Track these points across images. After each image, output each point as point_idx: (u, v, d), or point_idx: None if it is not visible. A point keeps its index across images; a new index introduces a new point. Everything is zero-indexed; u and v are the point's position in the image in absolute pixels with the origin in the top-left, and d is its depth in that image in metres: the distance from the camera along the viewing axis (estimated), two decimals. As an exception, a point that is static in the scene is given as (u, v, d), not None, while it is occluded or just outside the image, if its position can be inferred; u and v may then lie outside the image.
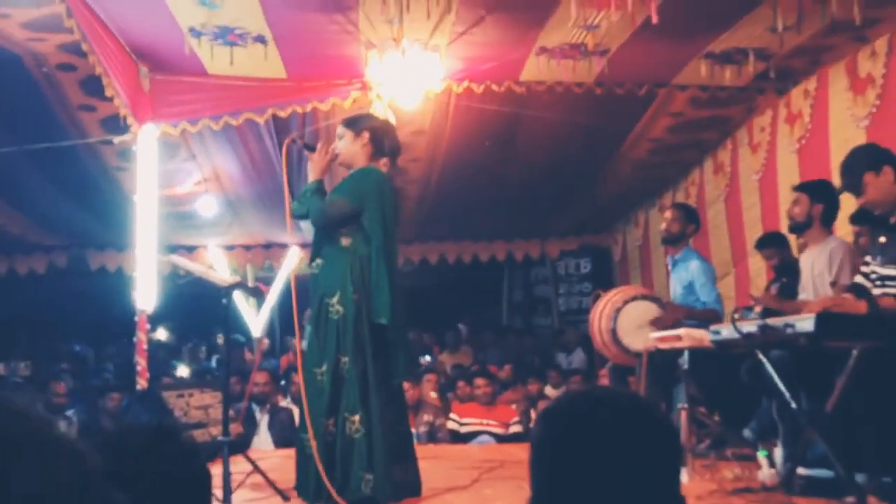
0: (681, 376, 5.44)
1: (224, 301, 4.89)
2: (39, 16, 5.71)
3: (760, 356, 4.41)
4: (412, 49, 6.27)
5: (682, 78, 7.02)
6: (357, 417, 4.28)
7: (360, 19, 5.91)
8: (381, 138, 4.61)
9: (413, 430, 6.30)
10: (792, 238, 6.19)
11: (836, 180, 4.96)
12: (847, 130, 6.35)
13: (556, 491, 1.45)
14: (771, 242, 6.59)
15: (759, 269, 7.68)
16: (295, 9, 5.83)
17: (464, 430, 8.20)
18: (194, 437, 5.62)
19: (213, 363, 13.34)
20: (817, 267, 5.09)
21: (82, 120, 7.58)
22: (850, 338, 3.98)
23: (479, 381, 8.46)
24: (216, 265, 11.07)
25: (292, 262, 11.07)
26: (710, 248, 8.78)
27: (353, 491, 4.22)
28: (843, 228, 5.66)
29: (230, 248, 12.46)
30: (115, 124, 7.01)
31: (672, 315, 6.06)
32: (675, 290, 6.37)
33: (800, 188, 5.37)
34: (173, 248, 10.70)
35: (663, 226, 6.52)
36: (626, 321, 6.15)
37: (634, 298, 6.26)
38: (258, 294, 9.52)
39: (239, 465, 4.88)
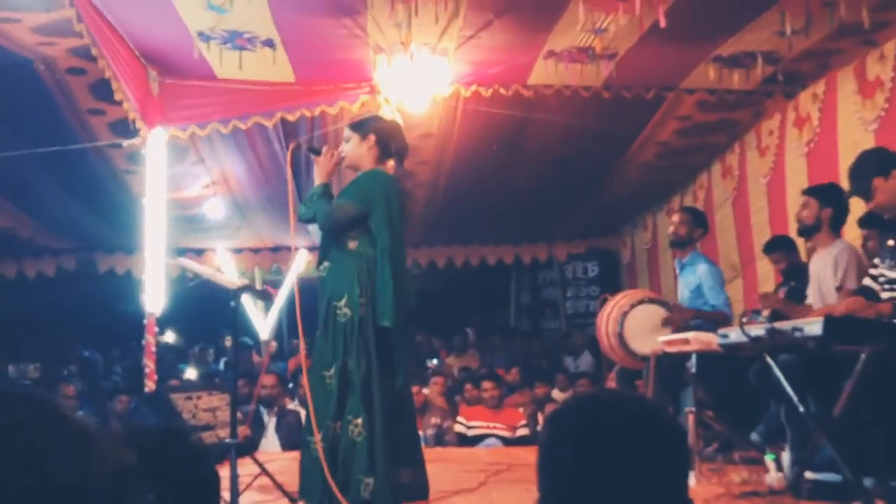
0: (688, 380, 5.44)
1: (232, 304, 4.90)
2: (49, 20, 5.74)
3: (769, 360, 4.40)
4: (420, 53, 6.28)
5: (690, 81, 7.02)
6: (360, 420, 4.28)
7: (368, 23, 5.92)
8: (388, 140, 4.61)
9: (420, 433, 6.30)
10: (800, 242, 6.19)
11: (845, 184, 4.95)
12: (855, 134, 6.34)
13: (564, 494, 1.45)
14: (779, 246, 6.58)
15: (766, 272, 7.67)
16: (304, 13, 5.85)
17: (471, 433, 8.19)
18: (203, 439, 5.64)
19: (221, 366, 13.37)
20: (824, 271, 5.09)
21: (91, 123, 7.61)
22: (859, 341, 3.98)
23: (487, 385, 8.46)
24: (224, 268, 11.08)
25: (300, 265, 11.10)
26: (717, 251, 8.77)
27: (354, 494, 4.21)
28: (852, 232, 5.66)
29: (238, 251, 12.48)
30: (125, 128, 7.03)
31: (681, 315, 6.06)
32: (683, 293, 6.37)
33: (809, 192, 5.36)
34: (182, 252, 10.71)
35: (671, 229, 6.53)
36: (634, 325, 6.15)
37: (642, 302, 6.26)
38: (266, 297, 9.53)
39: (246, 467, 4.89)
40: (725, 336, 4.74)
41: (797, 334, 4.05)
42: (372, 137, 4.57)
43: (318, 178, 4.62)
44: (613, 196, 10.62)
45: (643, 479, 1.41)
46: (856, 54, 6.36)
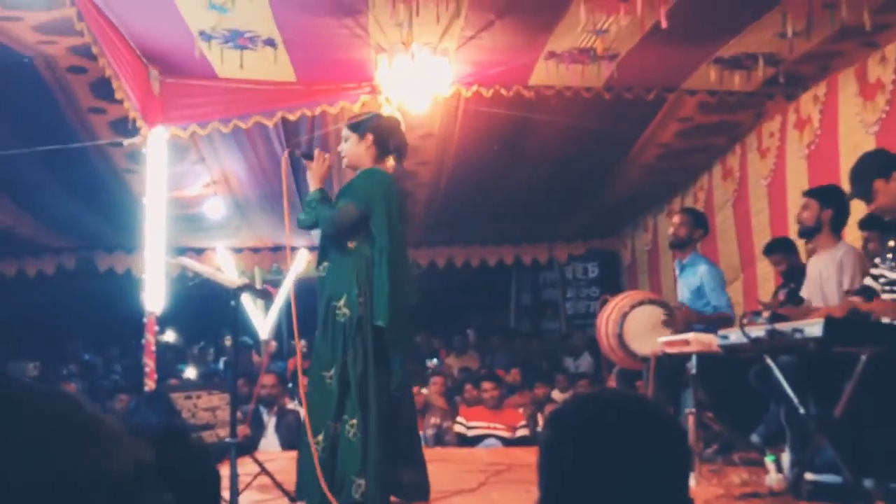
0: (688, 381, 5.44)
1: (232, 303, 4.90)
2: (50, 19, 5.74)
3: (769, 361, 4.40)
4: (421, 53, 6.28)
5: (691, 83, 7.02)
6: (355, 421, 4.28)
7: (369, 23, 5.92)
8: (386, 138, 4.61)
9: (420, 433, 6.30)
10: (800, 244, 6.19)
11: (846, 186, 4.96)
12: (856, 136, 6.34)
13: (565, 494, 1.45)
14: (779, 248, 6.58)
15: (767, 274, 7.67)
16: (305, 12, 5.85)
17: (471, 433, 8.20)
18: (202, 438, 5.65)
19: (221, 365, 13.36)
20: (825, 273, 5.09)
21: (92, 122, 7.61)
22: (859, 343, 3.97)
23: (487, 385, 8.47)
24: (224, 267, 11.08)
25: (300, 264, 11.09)
26: (718, 253, 8.77)
27: (346, 496, 4.21)
28: (852, 234, 5.66)
29: (238, 250, 12.48)
30: (125, 127, 7.03)
31: (683, 318, 6.05)
32: (683, 294, 6.37)
33: (809, 193, 5.37)
34: (182, 251, 10.71)
35: (671, 230, 6.53)
36: (634, 326, 6.14)
37: (642, 303, 6.25)
38: (266, 296, 9.53)
39: (246, 466, 4.89)
40: (725, 337, 4.74)
41: (797, 335, 4.05)
42: (370, 136, 4.56)
43: (312, 184, 4.61)
44: (614, 197, 10.62)
45: (644, 479, 1.41)
46: (857, 56, 6.36)
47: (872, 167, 4.44)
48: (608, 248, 13.22)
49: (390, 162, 4.65)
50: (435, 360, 12.25)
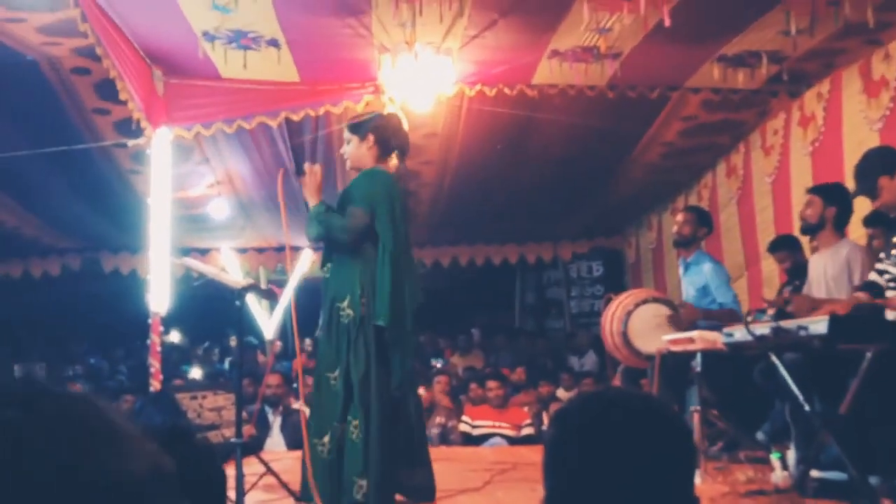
0: (693, 379, 5.44)
1: (237, 303, 4.91)
2: (54, 20, 5.75)
3: (774, 359, 4.40)
4: (425, 52, 6.28)
5: (694, 81, 7.01)
6: (357, 421, 4.27)
7: (372, 23, 5.92)
8: (387, 137, 4.60)
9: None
10: (805, 241, 6.18)
11: (850, 183, 4.95)
12: (860, 133, 6.34)
13: (570, 492, 1.46)
14: (783, 245, 6.58)
15: (771, 271, 7.67)
16: (308, 13, 5.85)
17: (476, 432, 8.20)
18: (208, 438, 5.66)
19: (226, 365, 13.37)
20: (830, 270, 5.09)
21: (96, 123, 7.62)
22: (864, 340, 3.97)
23: (492, 384, 8.47)
24: (229, 268, 11.09)
25: (304, 265, 11.09)
26: (722, 251, 8.76)
27: (347, 497, 4.21)
28: (857, 231, 5.65)
29: (243, 250, 12.49)
30: (129, 128, 7.04)
31: (689, 316, 6.05)
32: (688, 292, 6.37)
33: (813, 190, 5.37)
34: (186, 251, 10.72)
35: (675, 228, 6.53)
36: (638, 324, 6.14)
37: (646, 301, 6.25)
38: (271, 296, 9.53)
39: (252, 466, 4.89)
40: (730, 335, 4.74)
41: (802, 333, 4.05)
42: (371, 137, 4.56)
43: (311, 199, 4.55)
44: (618, 196, 10.62)
45: (649, 477, 1.41)
46: (861, 54, 6.36)
47: (877, 164, 4.44)
48: (612, 247, 13.22)
49: (393, 161, 4.65)
50: (440, 360, 12.25)
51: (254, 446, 6.09)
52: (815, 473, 4.37)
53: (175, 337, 14.37)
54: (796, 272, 6.20)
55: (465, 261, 13.00)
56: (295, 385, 9.19)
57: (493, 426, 8.20)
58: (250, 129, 7.22)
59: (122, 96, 6.32)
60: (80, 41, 5.90)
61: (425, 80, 6.47)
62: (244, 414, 5.40)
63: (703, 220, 6.54)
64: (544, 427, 8.24)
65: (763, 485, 4.68)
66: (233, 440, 4.73)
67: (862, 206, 5.14)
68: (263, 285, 10.85)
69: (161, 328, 6.87)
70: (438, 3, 5.49)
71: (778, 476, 4.61)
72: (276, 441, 7.71)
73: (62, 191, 9.29)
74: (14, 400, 0.89)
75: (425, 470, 4.52)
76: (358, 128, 4.64)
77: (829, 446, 4.21)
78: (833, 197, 5.18)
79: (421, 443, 4.64)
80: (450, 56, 6.39)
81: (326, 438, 4.32)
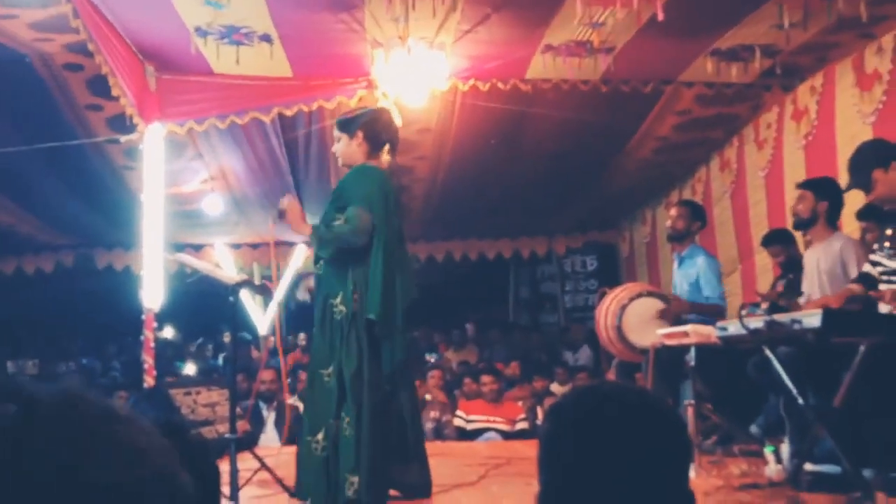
0: (687, 373, 5.45)
1: (231, 299, 4.90)
2: (46, 16, 5.73)
3: (768, 352, 4.41)
4: (418, 47, 6.27)
5: (688, 75, 7.01)
6: (349, 418, 4.25)
7: (365, 18, 5.91)
8: (376, 132, 4.58)
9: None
10: (798, 235, 6.19)
11: (843, 176, 4.96)
12: (853, 127, 6.34)
13: (565, 486, 1.45)
14: (777, 239, 6.59)
15: (765, 265, 7.68)
16: (301, 8, 5.84)
17: (470, 427, 8.20)
18: (202, 434, 5.65)
19: (220, 361, 13.36)
20: (824, 264, 5.10)
21: (89, 119, 7.60)
22: (857, 333, 3.98)
23: (486, 379, 8.47)
24: (223, 263, 11.09)
25: (298, 260, 11.10)
26: (716, 245, 8.77)
27: (341, 493, 4.20)
28: (850, 225, 5.66)
29: (237, 246, 12.48)
30: (122, 124, 7.02)
31: (677, 307, 6.07)
32: (682, 286, 6.37)
33: (804, 185, 5.38)
34: (180, 247, 10.72)
35: (669, 223, 6.54)
36: (632, 318, 6.15)
37: (640, 295, 6.25)
38: (265, 292, 9.53)
39: (246, 462, 4.89)
40: (724, 329, 4.75)
41: (796, 326, 4.05)
42: (360, 134, 4.54)
43: (303, 229, 4.44)
44: (612, 190, 10.62)
45: (644, 471, 1.41)
46: (854, 47, 6.36)
47: (871, 157, 4.44)
48: (606, 241, 13.23)
49: (384, 156, 4.63)
50: (434, 354, 12.25)
51: (248, 442, 6.09)
52: (808, 467, 4.38)
53: (169, 333, 14.36)
54: (790, 266, 6.21)
55: (459, 255, 13.00)
56: (289, 380, 9.20)
57: (488, 421, 8.20)
58: (243, 125, 7.21)
59: (115, 92, 6.30)
60: (73, 37, 5.88)
61: (418, 75, 6.46)
62: (238, 409, 5.40)
63: (697, 215, 6.54)
64: (538, 421, 8.25)
65: (757, 478, 4.69)
66: (227, 436, 4.72)
67: (855, 200, 5.14)
68: (257, 281, 10.85)
69: (155, 324, 6.87)
70: (431, -3, 5.49)
71: (772, 469, 4.62)
72: (270, 436, 7.70)
73: (55, 187, 9.26)
74: (12, 399, 0.89)
75: (421, 466, 4.51)
76: (347, 125, 4.62)
77: (823, 439, 4.22)
78: (824, 191, 5.19)
79: (417, 438, 4.62)
80: (443, 51, 6.38)
81: (321, 436, 4.30)
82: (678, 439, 1.50)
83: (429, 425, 8.07)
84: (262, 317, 12.27)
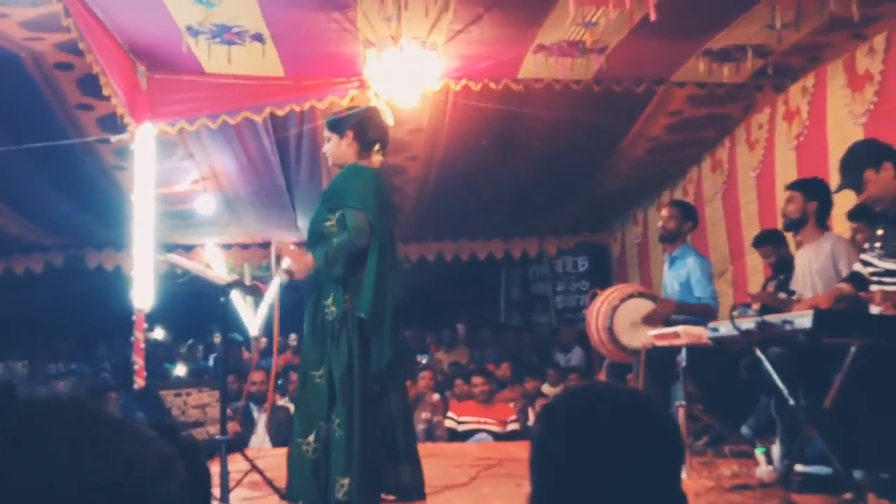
0: (679, 374, 5.45)
1: (222, 300, 4.88)
2: (37, 15, 5.71)
3: (759, 353, 4.41)
4: (410, 47, 6.26)
5: (680, 75, 7.02)
6: (339, 420, 4.23)
7: (358, 17, 5.90)
8: (366, 131, 4.56)
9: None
10: (789, 235, 6.20)
11: (835, 177, 4.96)
12: (845, 127, 6.35)
13: (557, 487, 1.45)
14: (768, 240, 6.60)
15: (756, 266, 7.69)
16: (292, 7, 5.82)
17: (461, 428, 8.20)
18: (193, 435, 5.63)
19: (211, 362, 13.33)
20: (815, 264, 5.10)
21: (80, 119, 7.57)
22: (848, 334, 3.98)
23: (477, 380, 8.47)
24: (214, 264, 11.06)
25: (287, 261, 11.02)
26: (708, 245, 8.78)
27: (331, 496, 4.18)
28: (841, 225, 5.67)
29: (228, 246, 12.46)
30: (113, 123, 7.00)
31: (663, 309, 6.07)
32: (672, 286, 6.37)
33: (792, 186, 5.39)
34: (171, 247, 10.69)
35: (660, 223, 6.53)
36: (623, 319, 6.15)
37: (631, 296, 6.25)
38: (256, 293, 9.50)
39: (237, 463, 4.88)
40: (715, 329, 4.75)
41: (787, 327, 4.06)
42: (349, 133, 4.53)
43: (313, 261, 4.34)
44: (604, 190, 10.63)
45: (636, 472, 1.41)
46: (846, 48, 6.37)
47: (862, 157, 4.44)
48: (598, 242, 13.23)
49: (376, 157, 4.61)
50: (425, 355, 12.24)
51: (239, 443, 6.07)
52: (799, 468, 4.38)
53: (159, 334, 14.31)
54: (781, 267, 6.22)
55: (451, 256, 12.99)
56: (279, 381, 9.19)
57: (479, 422, 8.20)
58: (235, 125, 7.19)
59: (106, 92, 6.28)
60: (63, 36, 5.86)
61: (410, 74, 6.45)
62: (229, 411, 5.38)
63: (688, 215, 6.55)
64: (530, 422, 8.25)
65: (748, 479, 4.69)
66: (217, 437, 4.71)
67: (846, 200, 5.15)
68: (248, 282, 10.82)
69: (145, 325, 6.85)
70: (423, -3, 5.48)
71: (763, 470, 4.62)
72: (260, 438, 7.68)
73: (45, 187, 9.23)
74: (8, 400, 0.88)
75: (413, 467, 4.47)
76: (336, 125, 4.61)
77: (814, 440, 4.22)
78: (813, 191, 5.21)
79: (408, 440, 4.58)
80: (435, 51, 6.38)
81: (312, 437, 4.27)
82: (670, 440, 1.49)
83: (420, 426, 8.06)
84: (253, 317, 12.25)
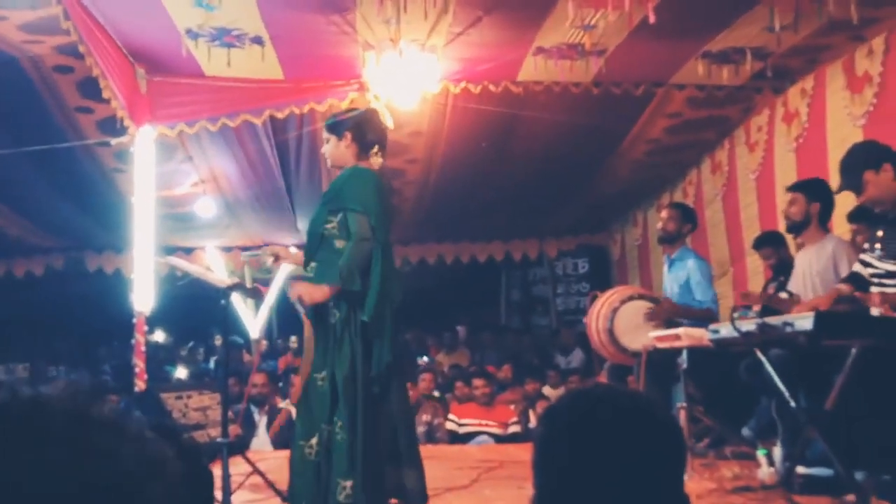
0: (679, 375, 5.45)
1: (222, 302, 4.88)
2: (36, 18, 5.71)
3: (759, 355, 4.41)
4: (409, 50, 6.26)
5: (679, 77, 7.02)
6: (342, 422, 4.23)
7: (357, 20, 5.90)
8: (364, 132, 4.56)
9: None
10: (789, 237, 6.19)
11: (834, 179, 4.96)
12: (844, 129, 6.36)
13: (560, 490, 1.45)
14: (768, 242, 6.59)
15: (756, 268, 7.69)
16: (292, 10, 5.83)
17: (462, 430, 8.19)
18: (194, 438, 5.63)
19: (212, 365, 13.33)
20: (816, 265, 5.10)
21: (79, 122, 7.57)
22: (849, 336, 3.98)
23: (478, 382, 8.46)
24: (214, 267, 11.06)
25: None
26: (707, 247, 8.79)
27: (333, 499, 4.17)
28: (841, 227, 5.67)
29: (228, 249, 12.45)
30: (113, 126, 7.00)
31: (666, 310, 6.07)
32: (672, 289, 6.37)
33: (794, 188, 5.38)
34: (171, 250, 10.69)
35: (660, 225, 6.54)
36: (624, 321, 6.15)
37: (631, 298, 6.26)
38: (256, 295, 9.52)
39: (238, 466, 4.87)
40: (716, 331, 4.75)
41: (788, 329, 4.06)
42: (348, 135, 4.53)
43: (324, 292, 4.30)
44: (603, 193, 10.62)
45: (639, 474, 1.41)
46: (844, 49, 6.38)
47: (861, 159, 4.44)
48: (598, 244, 13.22)
49: (376, 160, 4.60)
50: (425, 358, 12.24)
51: (240, 446, 6.07)
52: (801, 469, 4.38)
53: (160, 336, 14.31)
54: (781, 268, 6.22)
55: (451, 258, 12.98)
56: (280, 384, 9.19)
57: (480, 424, 8.19)
58: (234, 127, 7.19)
59: (105, 94, 6.29)
60: (63, 39, 5.86)
61: (410, 77, 6.45)
62: (230, 413, 5.38)
63: (688, 217, 6.55)
64: (531, 425, 8.24)
65: (749, 481, 4.69)
66: (219, 440, 4.71)
67: (846, 202, 5.15)
68: (248, 284, 10.84)
69: (145, 327, 6.84)
70: (423, 0, 5.48)
71: (764, 472, 4.62)
72: (262, 440, 7.68)
73: (45, 190, 9.22)
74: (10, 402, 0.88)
75: (416, 471, 4.46)
76: (335, 127, 4.61)
77: (815, 442, 4.22)
78: (815, 192, 5.20)
79: (410, 442, 4.57)
80: (434, 53, 6.38)
81: (314, 440, 4.26)
82: (673, 443, 1.49)
83: (421, 428, 8.06)
84: (254, 320, 12.25)
